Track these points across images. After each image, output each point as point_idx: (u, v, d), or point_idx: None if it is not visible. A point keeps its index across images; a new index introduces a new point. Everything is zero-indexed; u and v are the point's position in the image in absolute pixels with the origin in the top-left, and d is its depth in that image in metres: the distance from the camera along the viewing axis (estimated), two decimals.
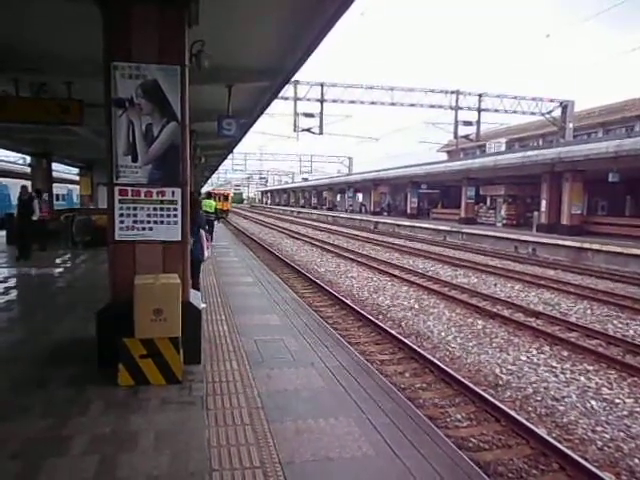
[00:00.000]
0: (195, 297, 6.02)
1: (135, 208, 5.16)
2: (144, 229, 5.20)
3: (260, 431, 3.96)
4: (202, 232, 8.06)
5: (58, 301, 8.89)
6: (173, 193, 5.24)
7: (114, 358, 4.79)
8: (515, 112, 33.43)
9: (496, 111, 33.00)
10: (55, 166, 29.22)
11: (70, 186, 39.93)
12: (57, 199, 29.82)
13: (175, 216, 5.26)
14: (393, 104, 32.04)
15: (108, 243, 5.21)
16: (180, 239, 5.31)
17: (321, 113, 30.76)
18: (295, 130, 31.54)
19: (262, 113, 14.59)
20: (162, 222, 5.23)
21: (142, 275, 5.03)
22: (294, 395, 4.74)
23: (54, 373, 5.13)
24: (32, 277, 11.29)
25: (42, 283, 10.69)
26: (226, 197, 61.26)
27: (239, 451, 3.65)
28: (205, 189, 64.32)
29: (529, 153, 28.65)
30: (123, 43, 5.00)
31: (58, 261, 14.07)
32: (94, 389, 4.69)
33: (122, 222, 5.14)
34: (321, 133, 31.17)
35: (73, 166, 34.07)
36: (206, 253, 8.30)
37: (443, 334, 10.00)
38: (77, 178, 35.49)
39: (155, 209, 5.20)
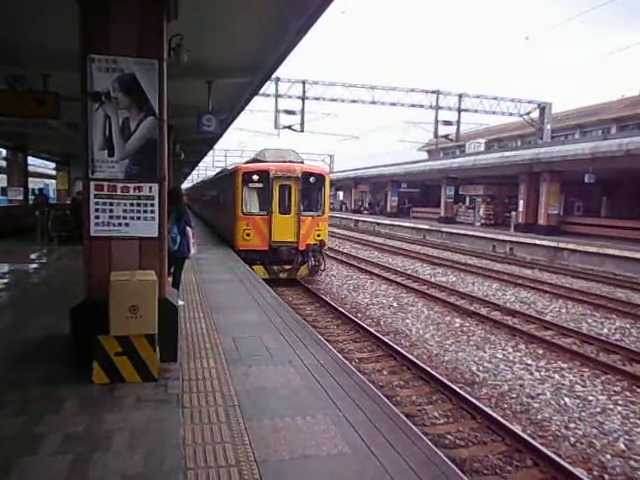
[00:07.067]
0: (172, 294, 5.96)
1: (111, 204, 5.07)
2: (120, 225, 5.11)
3: (236, 429, 3.93)
4: (188, 229, 8.04)
5: (32, 297, 8.72)
6: (150, 189, 5.16)
7: (89, 356, 4.71)
8: (494, 113, 33.74)
9: (476, 111, 33.27)
10: (31, 160, 28.72)
11: (47, 180, 39.26)
12: (33, 194, 29.24)
13: (152, 212, 5.19)
14: (374, 103, 32.12)
15: (83, 239, 5.12)
16: (157, 235, 5.23)
17: (302, 110, 30.68)
18: (276, 127, 31.41)
19: (243, 109, 14.51)
20: (139, 218, 5.15)
21: (118, 272, 4.95)
22: (272, 393, 4.71)
23: (27, 371, 5.03)
24: (5, 273, 11.07)
25: (15, 279, 10.49)
26: (313, 185, 15.07)
27: (214, 449, 3.62)
28: (185, 185, 61.25)
29: (507, 154, 28.99)
30: (100, 35, 4.90)
31: (33, 256, 13.83)
32: (68, 387, 4.61)
33: (98, 218, 5.05)
34: (302, 131, 31.08)
35: (50, 160, 33.47)
36: (192, 250, 8.28)
37: (421, 332, 10.07)
38: (54, 173, 34.91)
39: (132, 205, 5.12)
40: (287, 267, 14.55)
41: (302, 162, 15.93)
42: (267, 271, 14.26)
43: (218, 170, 35.08)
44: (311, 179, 14.85)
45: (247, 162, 16.89)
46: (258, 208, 14.67)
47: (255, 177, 14.58)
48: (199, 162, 44.14)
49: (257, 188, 14.70)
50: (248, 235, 14.42)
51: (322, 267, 15.04)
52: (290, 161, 15.39)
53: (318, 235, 14.78)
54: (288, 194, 14.56)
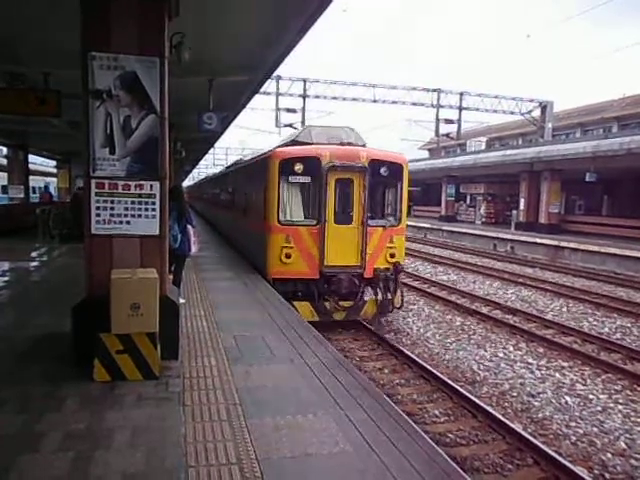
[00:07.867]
0: (173, 292, 5.96)
1: (112, 201, 5.06)
2: (121, 223, 5.11)
3: (237, 427, 3.92)
4: (189, 227, 8.01)
5: (33, 295, 8.72)
6: (151, 186, 5.15)
7: (90, 353, 4.71)
8: (495, 111, 33.70)
9: (477, 110, 33.25)
10: (32, 158, 28.72)
11: (47, 179, 39.25)
12: (34, 192, 29.24)
13: (153, 210, 5.18)
14: (375, 101, 32.08)
15: (84, 237, 5.11)
16: (158, 233, 5.23)
17: (303, 109, 30.67)
18: (277, 125, 31.40)
19: (244, 108, 14.49)
20: (140, 216, 5.14)
21: (119, 269, 4.95)
22: (273, 391, 4.71)
23: (28, 368, 5.03)
24: (6, 271, 11.07)
25: (17, 277, 10.49)
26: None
27: (216, 447, 3.61)
28: (186, 183, 60.94)
29: (509, 152, 28.97)
30: (101, 33, 4.89)
31: (34, 254, 13.83)
32: (69, 385, 4.60)
33: (99, 215, 5.05)
34: None
35: (51, 158, 33.47)
36: (194, 248, 8.24)
37: (422, 330, 10.07)
38: (55, 171, 34.90)
39: (133, 202, 5.11)
40: (346, 304, 9.83)
41: (365, 145, 10.71)
42: (316, 310, 9.70)
43: (220, 168, 32.63)
44: (382, 170, 9.94)
45: (281, 145, 11.40)
46: (303, 215, 9.99)
47: (299, 167, 9.70)
48: (200, 160, 44.12)
49: (302, 184, 9.92)
50: (288, 257, 9.71)
51: (398, 304, 10.09)
52: (349, 143, 10.36)
53: (392, 255, 10.04)
54: (349, 193, 9.85)
